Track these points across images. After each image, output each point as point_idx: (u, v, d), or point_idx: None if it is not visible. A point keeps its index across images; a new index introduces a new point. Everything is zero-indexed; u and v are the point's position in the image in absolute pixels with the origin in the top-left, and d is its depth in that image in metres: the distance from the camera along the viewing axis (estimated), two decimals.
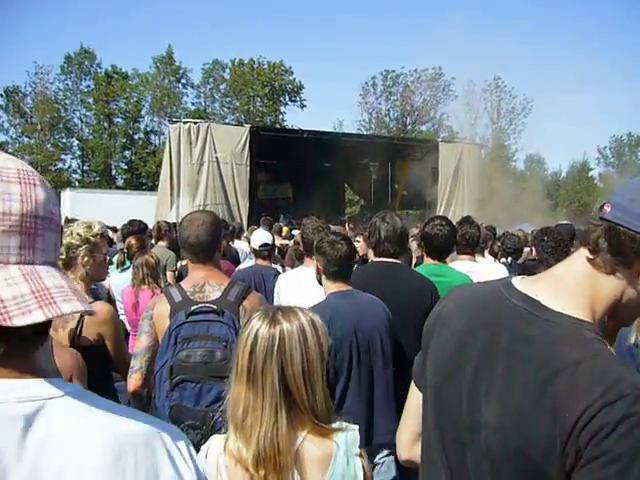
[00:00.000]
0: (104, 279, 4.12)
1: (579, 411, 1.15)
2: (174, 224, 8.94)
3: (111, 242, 7.89)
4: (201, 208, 14.78)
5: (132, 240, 6.29)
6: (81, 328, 3.08)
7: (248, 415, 1.75)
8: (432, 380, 1.52)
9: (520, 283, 1.43)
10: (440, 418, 1.47)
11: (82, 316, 3.09)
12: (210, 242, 3.07)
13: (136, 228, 6.93)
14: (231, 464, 1.76)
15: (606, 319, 1.37)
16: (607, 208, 1.31)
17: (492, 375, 1.33)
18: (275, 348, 1.75)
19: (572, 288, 1.33)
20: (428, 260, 4.52)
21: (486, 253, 6.43)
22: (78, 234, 3.26)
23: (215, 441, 1.86)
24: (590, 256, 1.32)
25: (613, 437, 1.11)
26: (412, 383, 1.70)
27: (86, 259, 3.25)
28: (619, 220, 1.28)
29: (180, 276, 6.25)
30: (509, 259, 6.91)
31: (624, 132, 59.83)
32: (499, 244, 7.41)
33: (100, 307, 3.21)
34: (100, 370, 3.17)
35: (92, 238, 3.29)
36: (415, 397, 1.67)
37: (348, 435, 1.84)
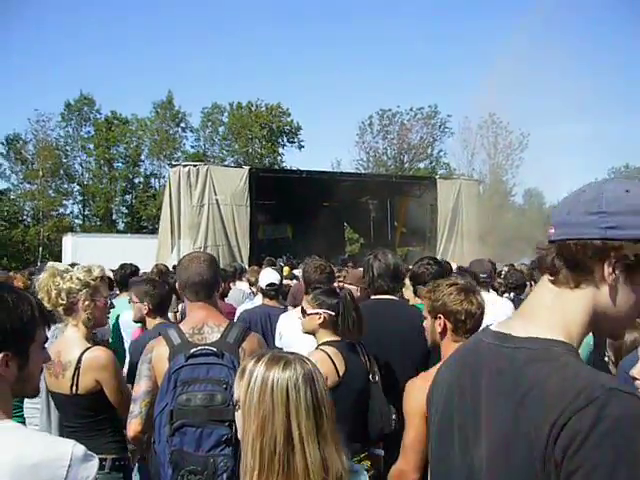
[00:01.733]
0: (105, 324, 4.05)
1: (550, 423, 1.12)
2: (173, 266, 8.97)
3: (112, 285, 7.89)
4: (202, 250, 14.81)
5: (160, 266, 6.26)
6: (78, 375, 3.07)
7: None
8: (433, 438, 1.52)
9: (497, 324, 1.43)
10: (446, 473, 1.44)
11: (79, 363, 3.09)
12: (211, 280, 3.09)
13: (128, 271, 6.90)
14: None
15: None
16: (551, 231, 1.35)
17: (476, 418, 1.32)
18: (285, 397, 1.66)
19: (541, 313, 1.33)
20: (417, 300, 4.51)
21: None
22: (78, 278, 3.26)
23: None
24: (551, 278, 1.33)
25: (586, 447, 1.07)
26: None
27: (87, 303, 3.25)
28: (565, 235, 1.30)
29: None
30: (512, 294, 6.91)
31: (622, 164, 60.14)
32: (499, 280, 7.41)
33: (98, 353, 3.18)
34: (99, 416, 3.16)
35: (92, 282, 3.29)
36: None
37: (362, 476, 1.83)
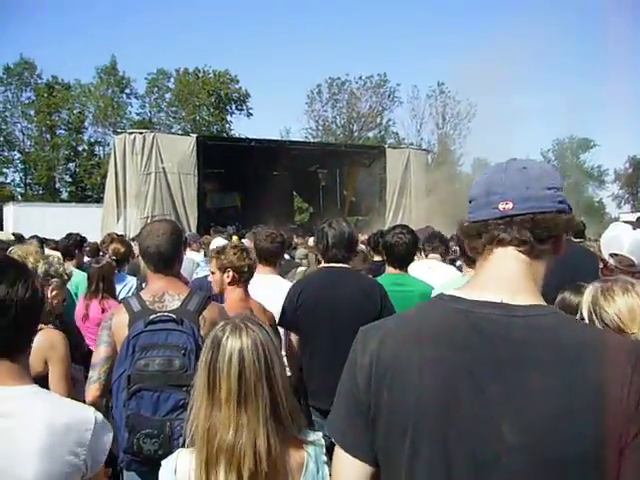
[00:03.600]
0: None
1: (627, 381, 1.18)
2: (122, 236, 8.87)
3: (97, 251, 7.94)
4: (149, 220, 14.61)
5: (118, 245, 6.18)
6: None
7: (228, 431, 1.82)
8: (420, 430, 1.29)
9: (466, 294, 1.38)
10: (443, 464, 1.26)
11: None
12: (171, 252, 3.07)
13: (72, 241, 6.76)
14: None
15: None
16: (507, 205, 1.37)
17: (503, 394, 1.23)
18: (261, 361, 1.87)
19: (524, 282, 1.37)
20: (390, 269, 4.58)
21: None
22: (55, 266, 3.23)
23: (183, 456, 1.91)
24: (521, 249, 1.37)
25: None
26: (339, 455, 1.42)
27: (55, 293, 3.22)
28: (532, 209, 1.35)
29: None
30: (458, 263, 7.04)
31: (566, 135, 61.43)
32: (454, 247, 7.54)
33: (51, 334, 3.09)
34: None
35: (65, 276, 3.26)
36: (350, 470, 1.40)
37: (317, 445, 1.97)
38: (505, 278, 1.38)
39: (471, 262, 4.16)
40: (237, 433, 1.81)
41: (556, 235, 1.38)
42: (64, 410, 1.70)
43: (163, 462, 1.95)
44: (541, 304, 1.34)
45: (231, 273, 3.79)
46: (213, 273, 3.93)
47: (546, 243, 1.37)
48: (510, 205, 1.36)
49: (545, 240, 1.37)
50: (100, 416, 1.73)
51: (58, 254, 5.34)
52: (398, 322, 1.48)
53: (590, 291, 2.22)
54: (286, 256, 8.65)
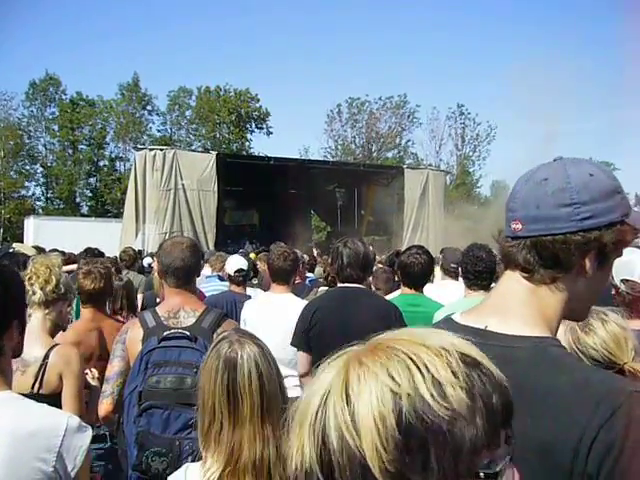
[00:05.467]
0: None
1: (576, 438, 1.04)
2: (139, 251, 8.92)
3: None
4: (167, 235, 14.70)
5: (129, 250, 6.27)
6: (44, 372, 2.91)
7: (255, 445, 1.83)
8: None
9: (462, 318, 1.34)
10: None
11: (46, 359, 2.94)
12: (193, 265, 3.10)
13: (90, 255, 6.84)
14: None
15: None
16: (516, 226, 1.26)
17: None
18: (274, 370, 1.91)
19: (519, 309, 1.26)
20: (405, 289, 4.53)
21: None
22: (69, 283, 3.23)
23: (192, 470, 1.90)
24: (525, 274, 1.26)
25: (624, 458, 1.00)
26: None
27: (69, 309, 3.22)
28: (539, 231, 1.23)
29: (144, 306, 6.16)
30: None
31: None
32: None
33: (68, 351, 3.03)
34: None
35: (76, 292, 3.28)
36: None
37: None
38: (501, 304, 1.30)
39: (471, 284, 4.09)
40: (265, 445, 1.82)
41: (571, 258, 1.21)
42: (31, 417, 1.67)
43: (170, 478, 1.94)
44: (528, 335, 1.21)
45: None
46: None
47: (558, 268, 1.23)
48: (519, 226, 1.26)
49: (556, 265, 1.23)
50: (75, 422, 1.70)
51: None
52: None
53: (566, 331, 2.06)
54: (309, 274, 8.62)
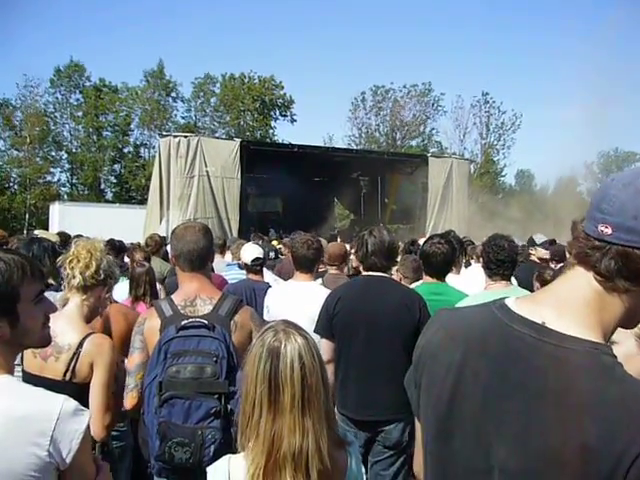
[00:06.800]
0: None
1: (618, 451, 1.03)
2: (164, 237, 8.93)
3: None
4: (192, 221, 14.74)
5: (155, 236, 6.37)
6: (77, 360, 2.85)
7: (295, 436, 1.83)
8: (430, 422, 1.39)
9: (517, 305, 1.32)
10: (441, 463, 1.35)
11: (80, 347, 2.88)
12: (206, 249, 3.06)
13: (110, 247, 6.81)
14: None
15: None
16: (606, 229, 1.20)
17: (502, 413, 1.20)
18: (317, 363, 1.90)
19: (582, 309, 1.23)
20: (427, 278, 4.52)
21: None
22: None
23: (235, 462, 1.91)
24: (599, 278, 1.21)
25: None
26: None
27: (108, 295, 3.20)
28: (630, 243, 1.17)
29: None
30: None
31: (611, 147, 60.21)
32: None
33: (102, 341, 2.96)
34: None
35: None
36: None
37: (354, 445, 2.05)
38: (565, 299, 1.26)
39: (493, 274, 4.06)
40: (304, 437, 1.82)
41: None
42: (25, 401, 1.67)
43: (210, 469, 1.95)
44: (584, 339, 1.18)
45: None
46: None
47: (637, 281, 1.19)
48: (609, 230, 1.19)
49: (636, 279, 1.18)
50: (71, 405, 1.69)
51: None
52: (453, 317, 1.48)
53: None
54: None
